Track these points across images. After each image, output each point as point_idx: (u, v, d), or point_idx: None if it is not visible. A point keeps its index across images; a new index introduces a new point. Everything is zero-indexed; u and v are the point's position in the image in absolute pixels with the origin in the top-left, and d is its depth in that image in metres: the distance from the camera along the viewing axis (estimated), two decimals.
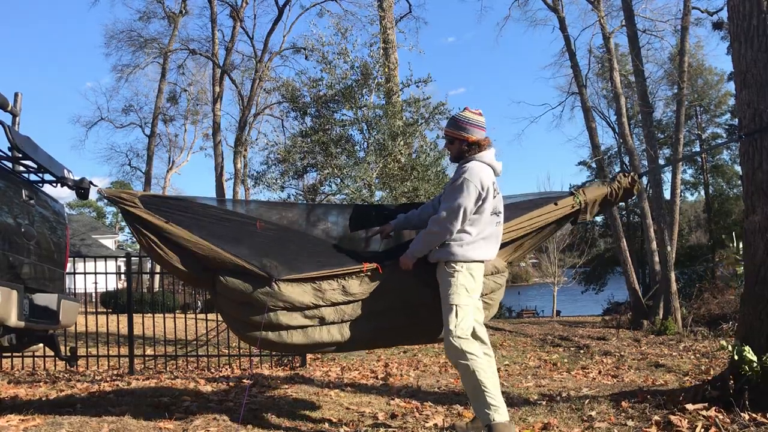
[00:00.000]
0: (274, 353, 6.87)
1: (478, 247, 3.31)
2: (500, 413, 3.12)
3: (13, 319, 3.22)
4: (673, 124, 22.89)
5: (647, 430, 3.35)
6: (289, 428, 3.62)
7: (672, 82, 21.93)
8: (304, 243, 3.70)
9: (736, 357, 3.57)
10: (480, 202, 3.26)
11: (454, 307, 3.23)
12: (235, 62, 24.51)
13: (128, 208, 3.34)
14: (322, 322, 3.40)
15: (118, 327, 10.00)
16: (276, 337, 3.35)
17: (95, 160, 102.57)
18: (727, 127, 31.96)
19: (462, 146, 3.37)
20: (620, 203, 4.33)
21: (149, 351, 7.58)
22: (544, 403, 4.24)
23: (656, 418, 3.52)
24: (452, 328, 3.19)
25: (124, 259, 7.23)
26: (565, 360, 7.80)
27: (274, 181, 9.14)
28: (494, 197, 3.32)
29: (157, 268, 9.18)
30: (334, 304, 3.40)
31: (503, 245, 3.68)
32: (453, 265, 3.29)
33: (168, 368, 6.70)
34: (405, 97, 9.39)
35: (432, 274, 3.45)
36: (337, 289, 3.39)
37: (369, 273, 3.43)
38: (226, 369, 6.68)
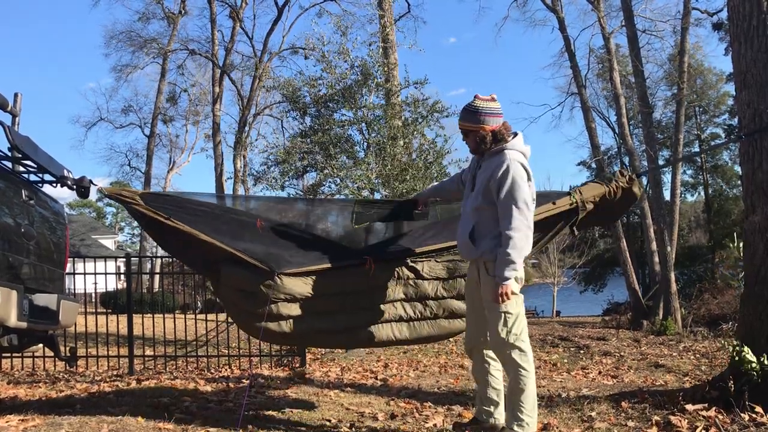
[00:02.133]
0: (274, 354, 6.88)
1: None
2: (524, 428, 3.03)
3: (12, 320, 3.22)
4: (672, 124, 22.89)
5: (647, 430, 3.36)
6: (289, 428, 3.62)
7: (672, 82, 21.92)
8: (305, 237, 3.76)
9: (736, 357, 3.57)
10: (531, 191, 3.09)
11: (503, 314, 3.03)
12: (235, 62, 24.53)
13: (130, 205, 3.40)
14: (320, 312, 3.48)
15: (117, 327, 9.99)
16: (276, 327, 3.42)
17: (95, 160, 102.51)
18: (726, 127, 31.96)
19: (479, 138, 3.12)
20: (625, 210, 4.27)
21: (149, 351, 7.57)
22: (543, 403, 4.24)
23: (656, 418, 3.52)
24: (504, 337, 3.01)
25: (124, 259, 7.23)
26: (565, 360, 7.79)
27: (275, 180, 9.15)
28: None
29: (157, 268, 9.19)
30: (333, 296, 3.48)
31: None
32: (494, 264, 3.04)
33: (168, 368, 6.69)
34: (404, 97, 9.39)
35: (431, 271, 3.49)
36: (335, 282, 3.47)
37: (369, 268, 3.47)
38: (226, 369, 6.68)
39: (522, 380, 3.02)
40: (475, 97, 3.16)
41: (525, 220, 2.98)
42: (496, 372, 3.30)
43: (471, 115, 3.13)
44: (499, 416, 3.27)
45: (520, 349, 3.04)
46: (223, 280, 3.46)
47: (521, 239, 2.98)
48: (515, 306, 3.06)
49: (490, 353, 3.26)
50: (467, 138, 3.20)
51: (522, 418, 3.04)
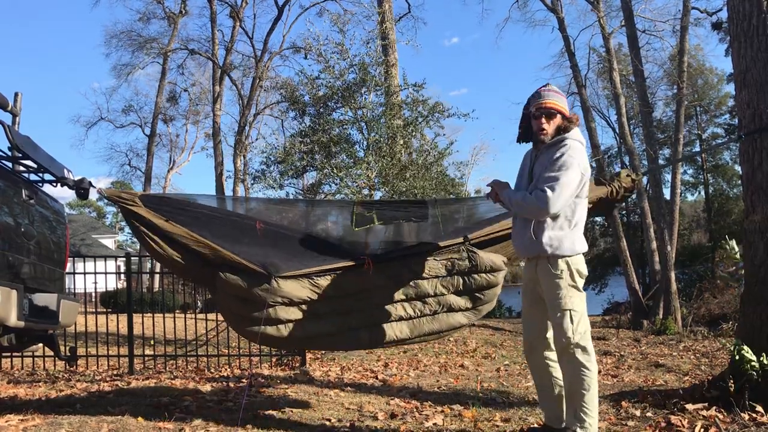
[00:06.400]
0: (273, 353, 6.88)
1: (579, 236, 3.03)
2: (586, 429, 2.92)
3: (12, 319, 3.22)
4: (673, 124, 22.87)
5: (647, 430, 3.35)
6: (289, 428, 3.62)
7: (672, 82, 21.91)
8: (303, 239, 3.76)
9: (736, 357, 3.57)
10: (581, 186, 2.98)
11: (568, 312, 2.93)
12: (235, 62, 24.53)
13: (129, 207, 3.38)
14: (318, 315, 3.46)
15: (117, 327, 9.99)
16: (275, 331, 3.41)
17: (95, 159, 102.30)
18: (726, 127, 31.96)
19: (562, 121, 3.01)
20: (621, 202, 4.25)
21: (149, 351, 7.57)
22: None
23: (656, 418, 3.52)
24: (570, 335, 2.91)
25: (124, 258, 7.22)
26: None
27: (274, 180, 9.15)
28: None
29: (157, 268, 9.19)
30: (330, 298, 3.46)
31: (502, 240, 3.71)
32: (559, 261, 2.95)
33: (168, 368, 6.69)
34: (404, 96, 9.40)
35: (430, 270, 3.48)
36: (333, 284, 3.45)
37: (366, 269, 3.47)
38: (226, 369, 6.68)
39: (585, 381, 2.92)
40: (547, 84, 3.11)
41: (557, 203, 2.86)
42: (558, 373, 3.13)
43: (559, 95, 3.05)
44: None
45: (585, 349, 2.94)
46: (219, 286, 3.42)
47: (539, 212, 2.91)
48: (579, 303, 2.98)
49: (551, 355, 3.13)
50: (552, 120, 3.01)
51: (585, 419, 2.92)
